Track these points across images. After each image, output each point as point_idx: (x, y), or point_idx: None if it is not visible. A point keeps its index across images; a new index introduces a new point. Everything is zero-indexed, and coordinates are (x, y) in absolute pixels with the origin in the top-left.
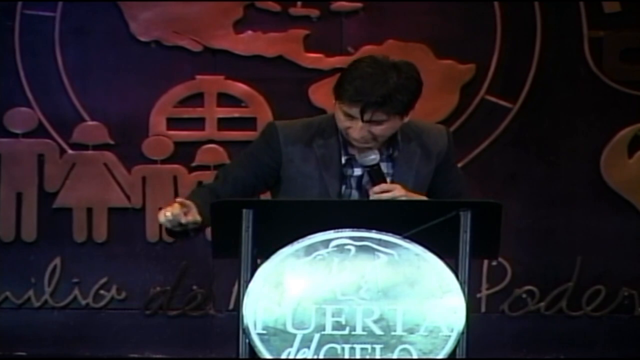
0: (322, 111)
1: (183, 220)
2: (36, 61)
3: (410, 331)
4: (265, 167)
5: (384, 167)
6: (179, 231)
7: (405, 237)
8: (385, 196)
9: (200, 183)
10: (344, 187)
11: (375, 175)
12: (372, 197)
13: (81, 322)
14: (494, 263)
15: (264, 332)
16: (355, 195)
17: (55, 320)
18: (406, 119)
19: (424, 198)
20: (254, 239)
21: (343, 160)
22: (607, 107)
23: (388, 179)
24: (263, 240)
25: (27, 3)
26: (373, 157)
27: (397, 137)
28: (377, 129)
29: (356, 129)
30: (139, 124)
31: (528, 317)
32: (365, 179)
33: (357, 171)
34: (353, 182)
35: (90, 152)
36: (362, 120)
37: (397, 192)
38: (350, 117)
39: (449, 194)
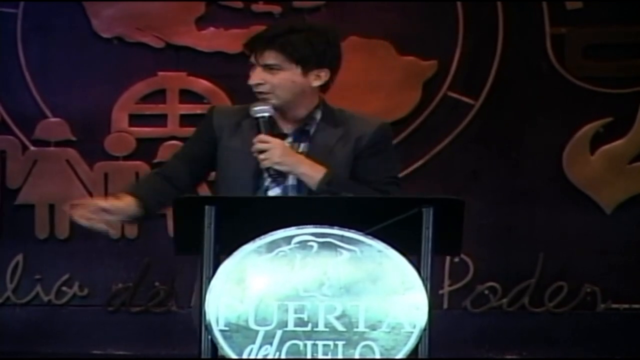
0: None
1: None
2: None
3: (373, 328)
4: (205, 144)
5: (301, 147)
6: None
7: (367, 234)
8: (260, 147)
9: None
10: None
11: (263, 126)
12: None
13: (43, 319)
14: (456, 259)
15: (227, 328)
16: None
17: (18, 317)
18: (314, 81)
19: (302, 158)
20: (217, 236)
21: None
22: (570, 103)
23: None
24: (225, 237)
25: None
26: (265, 109)
27: (314, 115)
28: (274, 78)
29: (253, 75)
30: (101, 120)
31: (490, 313)
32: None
33: None
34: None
35: (52, 148)
36: (258, 64)
37: (274, 144)
38: (253, 67)
39: (367, 184)
